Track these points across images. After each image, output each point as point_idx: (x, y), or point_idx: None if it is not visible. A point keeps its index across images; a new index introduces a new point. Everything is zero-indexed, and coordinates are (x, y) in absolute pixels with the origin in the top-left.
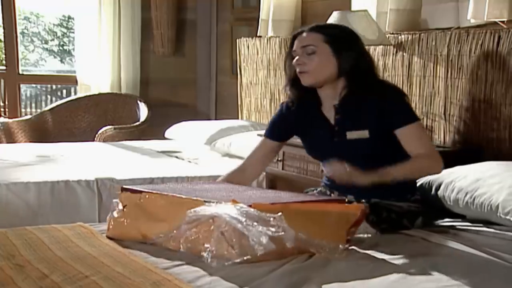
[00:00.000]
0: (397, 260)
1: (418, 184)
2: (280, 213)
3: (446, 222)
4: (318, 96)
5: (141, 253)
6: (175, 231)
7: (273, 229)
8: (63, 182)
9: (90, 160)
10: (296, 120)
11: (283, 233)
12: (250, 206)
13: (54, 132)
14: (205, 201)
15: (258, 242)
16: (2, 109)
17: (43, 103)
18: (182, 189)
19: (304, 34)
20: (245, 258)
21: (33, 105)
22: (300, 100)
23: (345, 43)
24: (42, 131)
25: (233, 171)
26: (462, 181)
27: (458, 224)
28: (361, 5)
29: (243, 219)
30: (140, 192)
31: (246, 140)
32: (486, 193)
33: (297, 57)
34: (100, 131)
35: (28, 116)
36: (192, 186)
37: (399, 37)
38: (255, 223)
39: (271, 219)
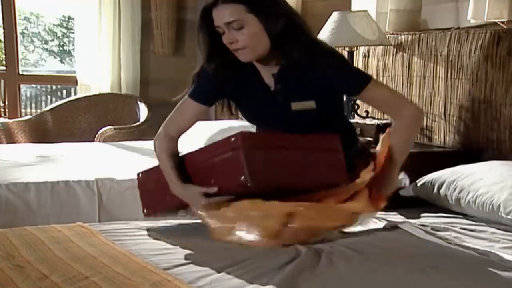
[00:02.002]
0: (396, 260)
1: (419, 184)
2: None
3: (447, 221)
4: (252, 64)
5: (141, 254)
6: None
7: None
8: (63, 182)
9: (90, 160)
10: (229, 84)
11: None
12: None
13: (54, 133)
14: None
15: None
16: (2, 110)
17: (43, 103)
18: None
19: (221, 7)
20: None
21: (33, 105)
22: (229, 69)
23: (269, 7)
24: (42, 131)
25: (173, 146)
26: (464, 180)
27: (459, 223)
28: (361, 5)
29: None
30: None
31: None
32: (488, 192)
33: (225, 35)
34: (100, 131)
35: (28, 117)
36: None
37: (399, 37)
38: None
39: None
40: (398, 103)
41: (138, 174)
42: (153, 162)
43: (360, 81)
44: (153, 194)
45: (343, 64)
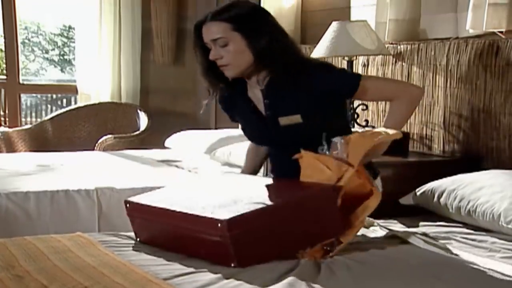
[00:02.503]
0: (398, 270)
1: (419, 192)
2: None
3: (447, 230)
4: (243, 80)
5: (141, 264)
6: None
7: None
8: (63, 191)
9: (90, 169)
10: (230, 104)
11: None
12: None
13: (54, 141)
14: None
15: None
16: (2, 119)
17: (43, 113)
18: (174, 197)
19: (209, 24)
20: None
21: (33, 114)
22: (224, 87)
23: (253, 25)
24: (42, 140)
25: (257, 150)
26: (464, 189)
27: (459, 232)
28: (360, 15)
29: None
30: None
31: (246, 149)
32: (488, 201)
33: (211, 51)
34: (100, 140)
35: (28, 126)
36: (195, 183)
37: (398, 47)
38: None
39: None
40: (400, 86)
41: (126, 203)
42: (153, 171)
43: (351, 80)
44: (147, 226)
45: (330, 69)
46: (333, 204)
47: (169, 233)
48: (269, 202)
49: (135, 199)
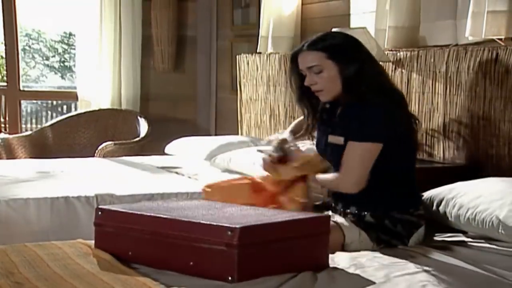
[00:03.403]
0: (398, 277)
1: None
2: None
3: (447, 237)
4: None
5: (141, 271)
6: None
7: None
8: (63, 198)
9: (90, 176)
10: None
11: None
12: None
13: (54, 148)
14: None
15: None
16: (2, 125)
17: (44, 119)
18: (160, 208)
19: (305, 53)
20: None
21: (34, 121)
22: (319, 108)
23: (345, 54)
24: (42, 147)
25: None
26: (463, 197)
27: (459, 240)
28: (360, 22)
29: None
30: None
31: (246, 156)
32: (488, 209)
33: (306, 77)
34: (100, 147)
35: (29, 132)
36: (168, 204)
37: (398, 54)
38: None
39: None
40: (348, 171)
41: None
42: (153, 177)
43: (363, 135)
44: (120, 237)
45: (368, 114)
46: (325, 231)
47: (150, 245)
48: (275, 219)
49: (109, 207)
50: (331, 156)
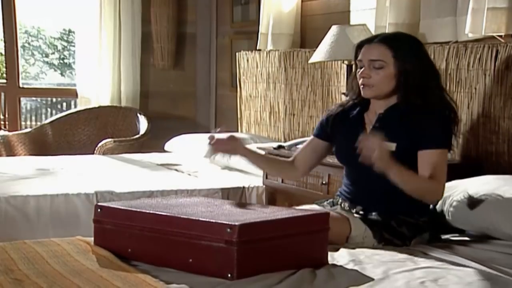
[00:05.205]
0: (397, 274)
1: None
2: None
3: (446, 236)
4: (367, 102)
5: (141, 267)
6: None
7: None
8: (63, 195)
9: (90, 173)
10: (340, 118)
11: None
12: None
13: (54, 145)
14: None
15: None
16: (2, 122)
17: (43, 116)
18: (158, 206)
19: (375, 45)
20: None
21: (33, 118)
22: (355, 98)
23: (410, 58)
24: (42, 144)
25: (285, 161)
26: (459, 195)
27: (458, 238)
28: (360, 19)
29: None
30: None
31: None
32: (485, 207)
33: (362, 69)
34: (100, 144)
35: (28, 129)
36: (167, 201)
37: None
38: None
39: None
40: (437, 179)
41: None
42: (153, 175)
43: (437, 142)
44: (118, 234)
45: (441, 122)
46: (323, 231)
47: (149, 242)
48: (275, 216)
49: (109, 204)
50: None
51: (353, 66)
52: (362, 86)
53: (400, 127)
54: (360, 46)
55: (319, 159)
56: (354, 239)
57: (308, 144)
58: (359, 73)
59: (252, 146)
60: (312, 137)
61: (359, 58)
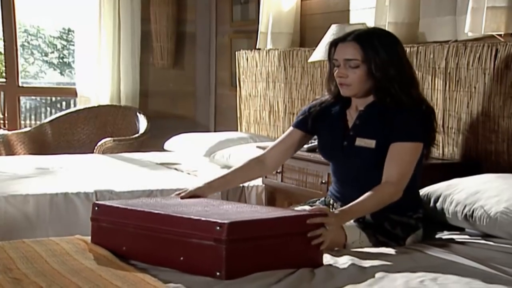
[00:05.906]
0: (396, 273)
1: None
2: None
3: (445, 235)
4: (349, 99)
5: (140, 267)
6: None
7: None
8: (62, 194)
9: (89, 172)
10: (322, 113)
11: None
12: None
13: (54, 144)
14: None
15: None
16: (1, 121)
17: (43, 115)
18: (156, 204)
19: (349, 44)
20: None
21: (33, 117)
22: (335, 96)
23: (386, 57)
24: (42, 143)
25: (251, 160)
26: (460, 194)
27: (457, 237)
28: (359, 18)
29: None
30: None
31: (245, 152)
32: (485, 206)
33: (339, 68)
34: (99, 143)
35: (28, 128)
36: (167, 201)
37: None
38: None
39: None
40: (398, 178)
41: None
42: (152, 174)
43: (409, 135)
44: (114, 232)
45: (415, 117)
46: (316, 228)
47: (143, 240)
48: (267, 216)
49: (106, 202)
50: (357, 161)
51: (328, 65)
52: (340, 85)
53: (379, 124)
54: (334, 44)
55: (295, 152)
56: (351, 246)
57: (286, 137)
58: (336, 72)
59: (209, 178)
60: (291, 128)
61: (334, 57)
